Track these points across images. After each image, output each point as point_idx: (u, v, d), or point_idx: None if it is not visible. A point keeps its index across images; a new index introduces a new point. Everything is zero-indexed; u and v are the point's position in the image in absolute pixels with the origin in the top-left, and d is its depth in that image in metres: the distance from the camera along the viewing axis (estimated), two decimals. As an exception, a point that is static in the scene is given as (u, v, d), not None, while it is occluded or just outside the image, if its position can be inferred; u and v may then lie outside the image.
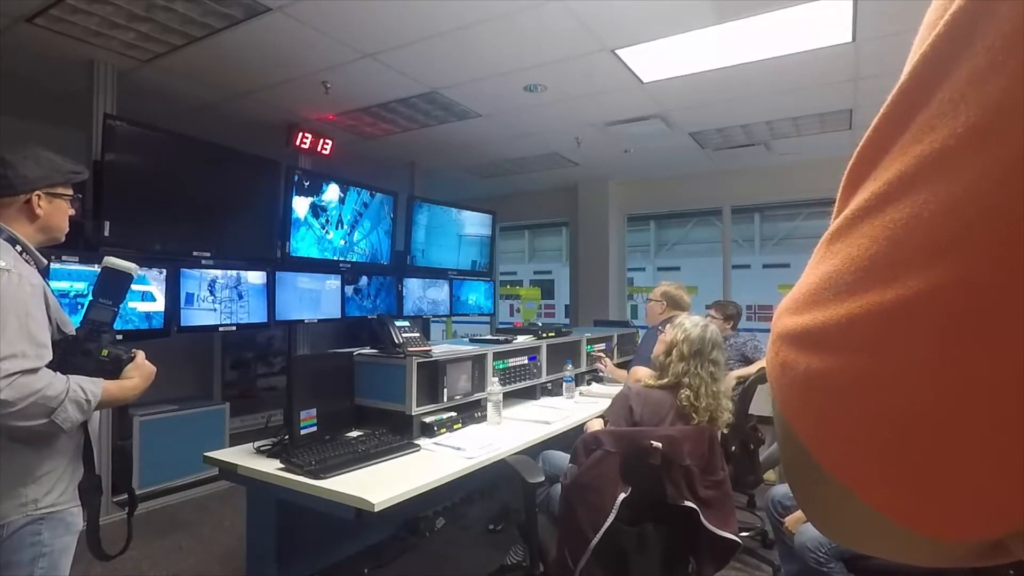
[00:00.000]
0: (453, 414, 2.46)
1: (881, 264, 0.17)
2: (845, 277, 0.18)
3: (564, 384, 3.19)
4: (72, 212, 1.49)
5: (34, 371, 1.21)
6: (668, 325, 2.27)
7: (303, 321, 4.48)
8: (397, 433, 2.22)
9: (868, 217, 0.18)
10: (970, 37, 0.16)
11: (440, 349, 2.60)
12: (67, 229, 1.49)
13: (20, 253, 1.33)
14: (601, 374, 3.62)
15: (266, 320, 4.18)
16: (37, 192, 1.38)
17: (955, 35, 0.17)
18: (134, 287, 1.49)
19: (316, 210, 4.51)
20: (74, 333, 1.40)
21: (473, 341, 3.12)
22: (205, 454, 2.09)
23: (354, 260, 4.89)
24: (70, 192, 1.47)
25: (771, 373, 0.22)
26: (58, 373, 1.26)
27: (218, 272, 3.83)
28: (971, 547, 0.20)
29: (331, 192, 4.64)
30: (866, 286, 0.18)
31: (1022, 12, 0.15)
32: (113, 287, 1.44)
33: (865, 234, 0.18)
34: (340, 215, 4.73)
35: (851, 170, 0.20)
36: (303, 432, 2.05)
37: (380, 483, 1.77)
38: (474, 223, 6.15)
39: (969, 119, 0.16)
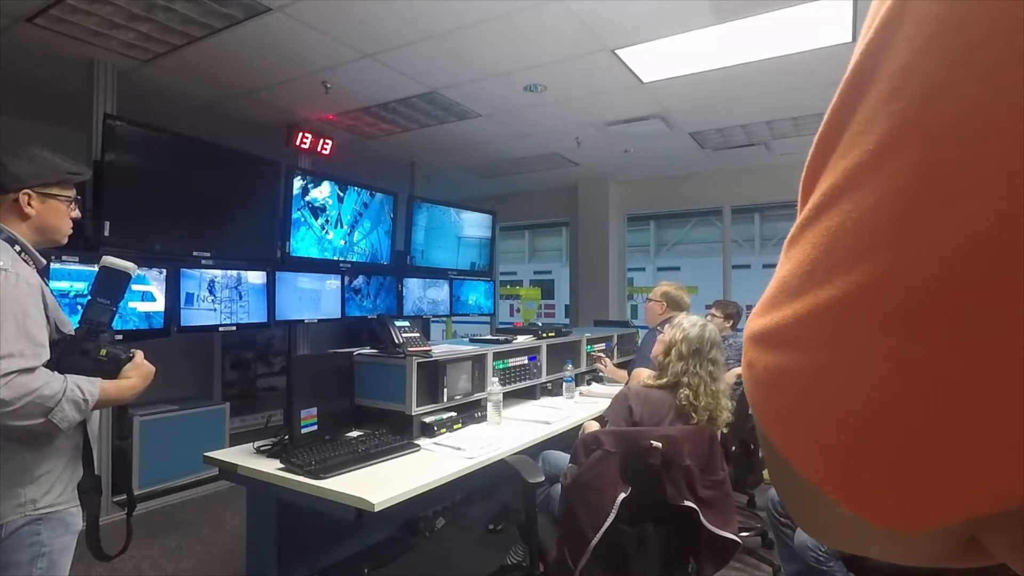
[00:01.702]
0: (453, 414, 2.46)
1: (819, 268, 0.19)
2: (793, 281, 0.20)
3: (564, 384, 3.19)
4: (75, 214, 1.46)
5: (31, 370, 1.21)
6: (667, 325, 2.28)
7: (303, 321, 4.48)
8: (397, 433, 2.22)
9: (812, 224, 0.20)
10: (877, 64, 0.19)
11: (440, 349, 2.60)
12: (67, 231, 1.46)
13: (19, 253, 1.33)
14: (601, 374, 3.62)
15: (266, 320, 4.18)
16: (26, 191, 1.36)
17: (867, 62, 0.19)
18: (134, 287, 1.49)
19: (316, 210, 4.51)
20: (72, 333, 1.40)
21: (473, 341, 3.12)
22: (205, 454, 2.09)
23: (354, 260, 4.89)
24: (69, 193, 1.45)
25: (743, 372, 0.24)
26: (55, 373, 1.26)
27: (218, 272, 3.83)
28: (944, 543, 0.21)
29: (331, 192, 4.64)
30: (807, 288, 0.19)
31: (911, 46, 0.18)
32: (111, 287, 1.43)
33: (809, 240, 0.20)
34: (340, 215, 4.73)
35: (803, 182, 0.22)
36: (303, 432, 2.06)
37: (380, 483, 1.77)
38: (473, 225, 6.15)
39: (877, 137, 0.18)
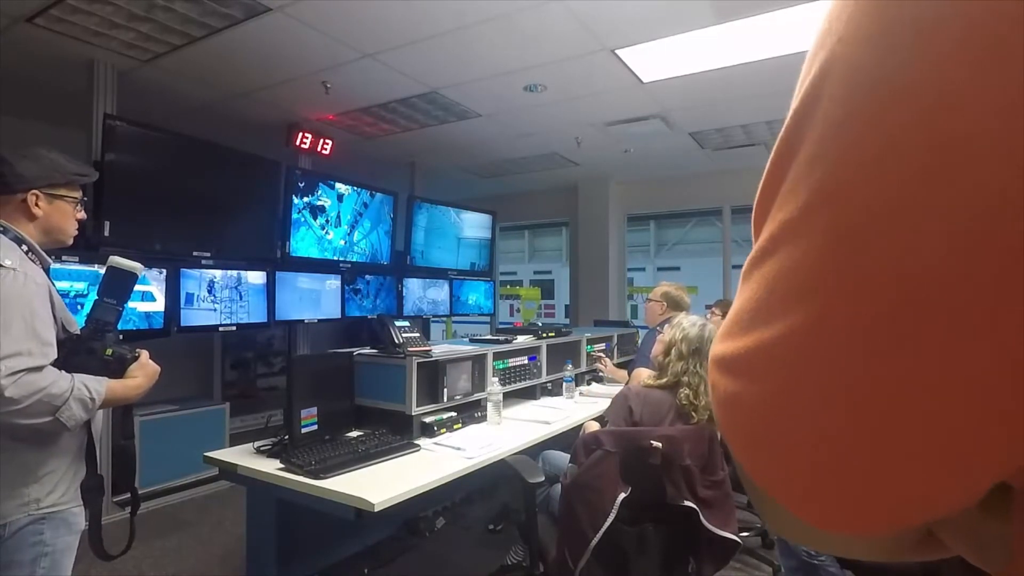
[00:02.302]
0: (453, 414, 2.46)
1: (763, 307, 0.21)
2: (744, 316, 0.22)
3: (564, 384, 3.19)
4: (80, 215, 1.48)
5: (39, 369, 1.21)
6: (667, 325, 2.28)
7: (303, 321, 4.48)
8: (397, 433, 2.22)
9: (759, 264, 0.22)
10: (804, 131, 0.21)
11: (440, 349, 2.60)
12: (73, 232, 1.47)
13: (26, 253, 1.34)
14: (601, 374, 3.63)
15: (266, 320, 4.18)
16: (34, 191, 1.37)
17: (796, 126, 0.21)
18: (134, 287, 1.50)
19: (316, 210, 4.51)
20: (79, 332, 1.40)
21: (473, 341, 3.12)
22: (205, 454, 2.09)
23: (354, 260, 4.89)
24: (75, 194, 1.46)
25: (710, 392, 0.26)
26: (63, 371, 1.27)
27: (218, 272, 3.83)
28: (900, 540, 0.23)
29: (331, 192, 4.64)
30: (755, 325, 0.22)
31: (828, 119, 0.20)
32: (118, 286, 1.44)
33: (756, 279, 0.22)
34: (340, 215, 4.73)
35: (753, 219, 0.24)
36: (303, 432, 2.06)
37: (380, 483, 1.77)
38: (473, 225, 6.15)
39: (802, 198, 0.20)
